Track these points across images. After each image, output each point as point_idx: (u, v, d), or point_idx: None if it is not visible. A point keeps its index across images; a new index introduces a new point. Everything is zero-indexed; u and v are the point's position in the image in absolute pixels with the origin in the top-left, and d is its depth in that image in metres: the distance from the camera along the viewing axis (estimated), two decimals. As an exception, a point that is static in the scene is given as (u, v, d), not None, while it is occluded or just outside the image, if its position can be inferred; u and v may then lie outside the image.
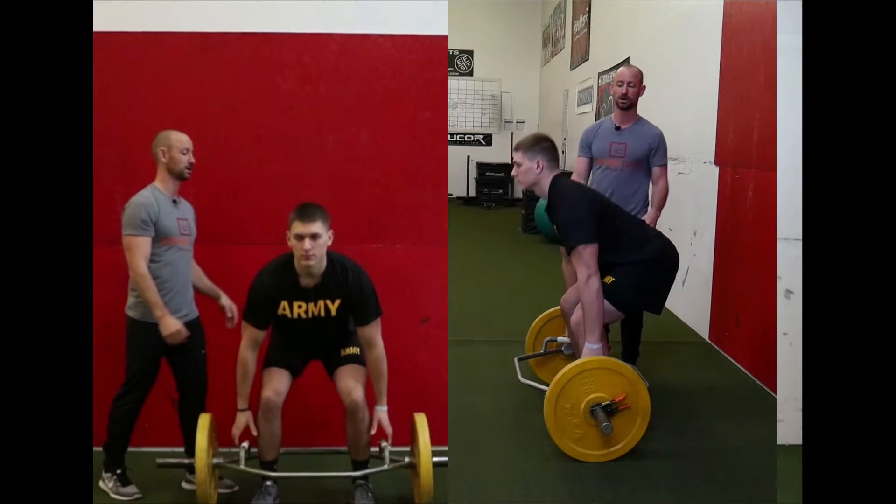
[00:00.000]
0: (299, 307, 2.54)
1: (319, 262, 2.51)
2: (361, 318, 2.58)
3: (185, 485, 2.77)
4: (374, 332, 2.58)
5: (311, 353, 2.72)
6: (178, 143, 2.64)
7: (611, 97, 3.73)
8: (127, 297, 2.65)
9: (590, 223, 2.86)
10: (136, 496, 2.68)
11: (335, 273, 2.55)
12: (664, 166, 3.64)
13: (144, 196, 2.60)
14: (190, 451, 2.75)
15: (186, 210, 2.74)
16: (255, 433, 2.57)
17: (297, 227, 2.46)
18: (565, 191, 2.96)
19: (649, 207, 3.66)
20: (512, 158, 3.13)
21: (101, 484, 2.67)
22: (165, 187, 2.66)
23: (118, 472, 2.68)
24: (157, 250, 2.60)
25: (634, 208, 3.58)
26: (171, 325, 2.57)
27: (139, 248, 2.54)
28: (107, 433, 2.67)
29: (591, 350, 2.86)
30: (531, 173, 2.96)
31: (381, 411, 2.59)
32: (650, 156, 3.59)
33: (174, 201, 2.67)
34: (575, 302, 3.09)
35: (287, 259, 2.55)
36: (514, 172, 3.04)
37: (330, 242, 2.54)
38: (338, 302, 2.55)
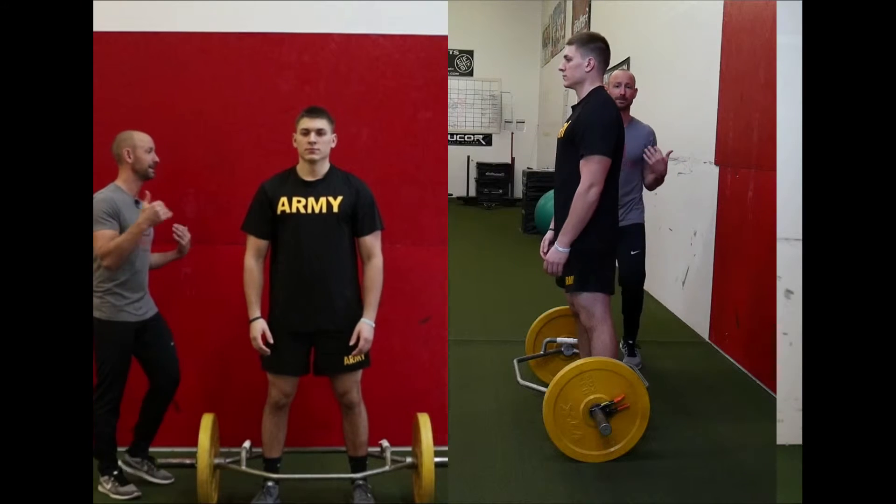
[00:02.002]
0: (298, 201, 2.53)
1: (323, 161, 2.55)
2: (365, 225, 2.58)
3: (99, 488, 2.67)
4: (375, 243, 2.60)
5: (311, 318, 2.56)
6: (141, 143, 2.66)
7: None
8: None
9: (613, 140, 2.80)
10: (136, 494, 2.68)
11: (339, 174, 2.59)
12: None
13: (104, 193, 2.61)
14: (137, 448, 2.76)
15: None
16: (271, 340, 2.54)
17: (304, 123, 2.51)
18: (608, 101, 2.89)
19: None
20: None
21: (99, 488, 2.67)
22: (128, 187, 2.67)
23: (115, 473, 2.68)
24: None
25: (631, 206, 3.66)
26: (154, 211, 2.56)
27: (103, 238, 2.55)
28: (94, 439, 2.61)
29: (558, 252, 2.83)
30: (580, 70, 2.86)
31: (366, 323, 2.55)
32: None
33: (136, 202, 2.68)
34: None
35: (290, 168, 2.59)
36: (561, 66, 2.94)
37: (334, 145, 2.57)
38: (340, 198, 2.54)
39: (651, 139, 3.69)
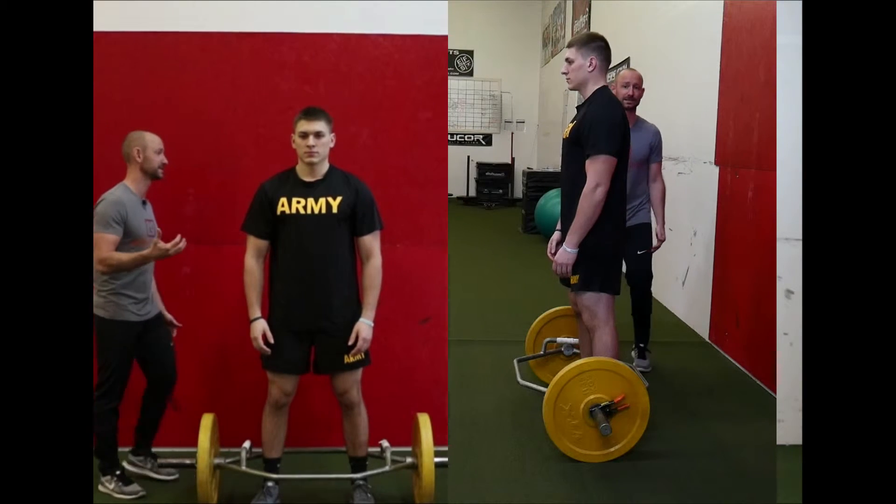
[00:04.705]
0: (298, 202, 2.53)
1: (322, 163, 2.56)
2: (364, 224, 2.58)
3: (100, 488, 2.67)
4: (374, 243, 2.60)
5: (311, 318, 2.56)
6: (152, 144, 2.67)
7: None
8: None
9: (618, 140, 2.80)
10: (141, 493, 2.68)
11: (338, 175, 2.60)
12: (660, 162, 3.76)
13: (116, 195, 2.61)
14: (140, 447, 2.78)
15: (151, 211, 2.76)
16: (271, 340, 2.54)
17: (302, 125, 2.51)
18: (612, 100, 2.89)
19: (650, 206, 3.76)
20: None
21: (100, 488, 2.66)
22: (137, 188, 2.68)
23: (117, 472, 2.68)
24: (128, 252, 2.60)
25: (639, 206, 3.68)
26: (164, 251, 2.50)
27: (107, 243, 2.55)
28: (95, 438, 2.61)
29: (566, 253, 2.84)
30: (582, 71, 2.88)
31: (364, 323, 2.55)
32: (650, 154, 3.68)
33: (143, 202, 2.70)
34: None
35: (290, 168, 2.60)
36: (563, 69, 2.95)
37: (332, 145, 2.57)
38: (339, 199, 2.54)
39: (657, 139, 3.69)
